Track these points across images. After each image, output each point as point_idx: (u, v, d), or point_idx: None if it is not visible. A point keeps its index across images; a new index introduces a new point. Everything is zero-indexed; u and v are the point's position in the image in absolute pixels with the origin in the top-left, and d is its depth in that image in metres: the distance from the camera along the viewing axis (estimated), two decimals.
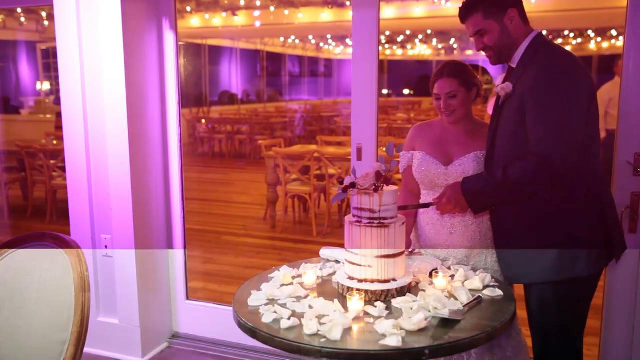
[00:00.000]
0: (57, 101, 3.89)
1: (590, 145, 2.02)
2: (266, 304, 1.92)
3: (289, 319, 1.79)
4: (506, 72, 2.22)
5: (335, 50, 20.69)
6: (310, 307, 1.86)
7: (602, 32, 15.04)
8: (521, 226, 2.10)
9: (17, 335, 1.92)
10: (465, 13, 2.15)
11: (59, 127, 7.20)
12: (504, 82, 2.15)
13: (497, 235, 2.22)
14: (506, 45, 2.12)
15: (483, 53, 2.17)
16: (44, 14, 11.00)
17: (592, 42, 15.88)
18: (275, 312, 1.84)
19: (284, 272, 2.15)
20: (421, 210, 2.44)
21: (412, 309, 1.84)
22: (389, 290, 1.95)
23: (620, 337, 2.87)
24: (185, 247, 3.66)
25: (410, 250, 2.47)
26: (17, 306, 1.95)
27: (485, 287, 2.05)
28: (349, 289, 1.96)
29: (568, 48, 3.00)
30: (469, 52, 19.14)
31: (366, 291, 1.94)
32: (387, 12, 10.30)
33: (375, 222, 1.96)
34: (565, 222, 2.04)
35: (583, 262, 2.05)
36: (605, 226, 2.06)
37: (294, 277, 2.15)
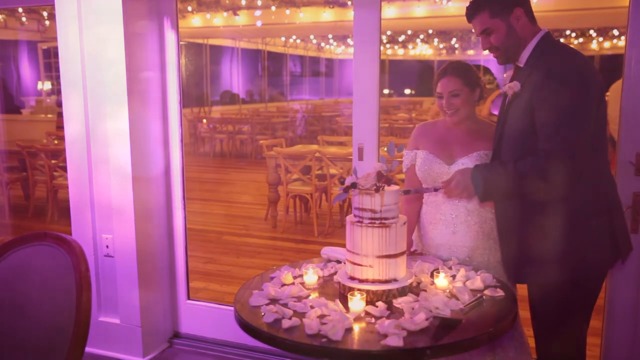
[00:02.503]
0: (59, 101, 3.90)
1: (598, 145, 2.02)
2: (267, 304, 1.91)
3: (290, 319, 1.79)
4: (513, 71, 2.21)
5: (336, 50, 20.70)
6: (312, 307, 1.86)
7: (604, 32, 15.02)
8: (526, 226, 2.09)
9: (18, 335, 1.92)
10: (472, 12, 2.14)
11: (60, 126, 7.21)
12: (510, 81, 2.15)
13: (501, 234, 2.21)
14: (513, 45, 2.11)
15: (486, 52, 2.17)
16: (45, 14, 11.02)
17: (594, 41, 15.87)
18: (276, 312, 1.84)
19: (285, 272, 2.14)
20: (424, 210, 2.43)
21: (413, 309, 1.84)
22: (390, 290, 1.95)
23: (622, 338, 2.86)
24: (186, 247, 3.66)
25: (412, 250, 2.47)
26: (18, 306, 1.95)
27: (486, 287, 2.04)
28: (350, 289, 1.96)
29: None
30: (471, 52, 19.14)
31: (367, 291, 1.94)
32: (389, 11, 10.31)
33: (377, 222, 1.96)
34: (572, 222, 2.03)
35: (588, 263, 2.05)
36: (612, 226, 2.05)
37: (295, 277, 2.15)
